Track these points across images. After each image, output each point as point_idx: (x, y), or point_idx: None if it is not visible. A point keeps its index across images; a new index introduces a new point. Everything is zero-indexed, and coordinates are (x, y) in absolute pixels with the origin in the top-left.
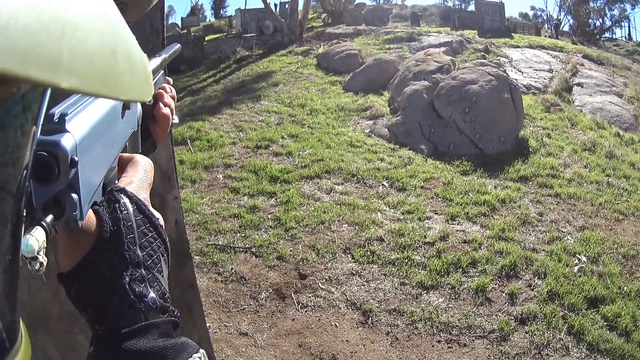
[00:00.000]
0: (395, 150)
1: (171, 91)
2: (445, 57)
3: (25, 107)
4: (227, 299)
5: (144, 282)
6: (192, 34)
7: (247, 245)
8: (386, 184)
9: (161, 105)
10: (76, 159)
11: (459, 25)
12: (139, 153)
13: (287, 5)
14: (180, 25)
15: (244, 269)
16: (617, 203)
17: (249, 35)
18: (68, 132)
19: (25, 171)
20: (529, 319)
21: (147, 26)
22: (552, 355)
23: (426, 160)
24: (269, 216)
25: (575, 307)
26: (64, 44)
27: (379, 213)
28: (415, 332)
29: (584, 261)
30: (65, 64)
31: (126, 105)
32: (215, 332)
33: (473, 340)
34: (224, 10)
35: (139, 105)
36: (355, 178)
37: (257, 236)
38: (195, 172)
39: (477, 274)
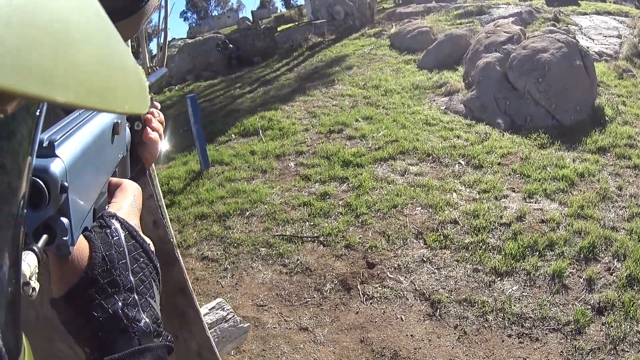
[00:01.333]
0: (472, 126)
1: (159, 115)
2: (514, 26)
3: (23, 155)
4: (291, 292)
5: (136, 307)
6: (263, 25)
7: (315, 234)
8: (462, 162)
9: (149, 129)
10: (66, 184)
11: None
12: (129, 178)
13: None
14: (251, 18)
15: (310, 259)
16: None
17: (319, 21)
18: (58, 157)
19: (22, 201)
20: (607, 309)
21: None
22: (627, 351)
23: (503, 134)
24: (340, 202)
25: None
26: (59, 58)
27: (454, 193)
28: (485, 325)
29: None
30: (60, 78)
31: (115, 130)
32: (275, 327)
33: (546, 334)
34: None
35: (127, 130)
36: (430, 158)
37: (326, 224)
38: (267, 162)
39: (554, 257)
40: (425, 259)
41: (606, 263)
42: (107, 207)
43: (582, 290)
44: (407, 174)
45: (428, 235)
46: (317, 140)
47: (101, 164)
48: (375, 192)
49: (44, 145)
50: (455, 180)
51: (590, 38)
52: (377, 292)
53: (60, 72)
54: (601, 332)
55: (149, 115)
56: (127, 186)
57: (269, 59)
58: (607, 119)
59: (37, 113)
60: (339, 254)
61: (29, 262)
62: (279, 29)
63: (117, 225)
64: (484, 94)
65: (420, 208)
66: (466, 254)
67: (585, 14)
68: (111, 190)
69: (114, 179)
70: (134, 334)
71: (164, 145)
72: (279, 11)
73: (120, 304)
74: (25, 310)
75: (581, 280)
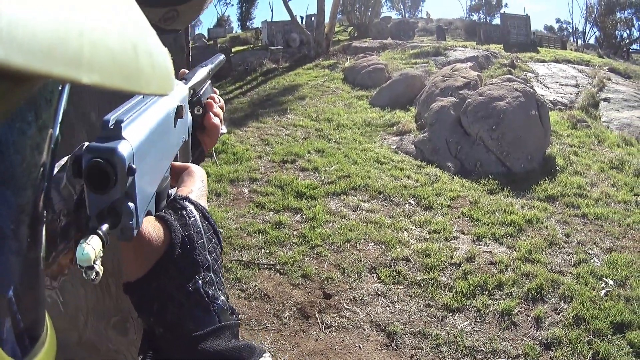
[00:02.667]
0: (422, 167)
1: (220, 101)
2: (472, 72)
3: (41, 127)
4: (250, 317)
5: (214, 285)
6: (219, 45)
7: (271, 262)
8: (413, 202)
9: (211, 114)
10: (134, 166)
11: (484, 39)
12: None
13: (313, 18)
14: (207, 36)
15: (267, 286)
16: None
17: (275, 47)
18: (125, 139)
19: (42, 169)
20: (554, 345)
21: (171, 41)
22: None
23: (453, 178)
24: (295, 233)
25: (601, 332)
26: (85, 39)
27: (405, 232)
28: (440, 356)
29: (610, 285)
30: (86, 60)
31: (179, 114)
32: None
33: None
34: (251, 22)
35: (189, 115)
36: (381, 195)
37: (281, 253)
38: (221, 186)
39: (503, 296)
40: (379, 293)
41: (553, 304)
42: (177, 190)
43: (531, 327)
44: (359, 210)
45: (381, 271)
46: (271, 169)
47: (165, 147)
48: (328, 225)
49: (110, 126)
50: (406, 220)
51: (545, 86)
52: (335, 322)
53: (86, 54)
54: None
55: (210, 100)
56: (194, 170)
57: (222, 80)
58: (558, 168)
59: (60, 88)
60: (296, 282)
61: (94, 246)
62: (233, 49)
63: (191, 207)
64: (436, 136)
65: (373, 244)
66: (419, 290)
67: (544, 61)
68: (178, 174)
69: (179, 164)
70: (214, 311)
71: (223, 131)
72: (234, 32)
73: (200, 282)
74: (67, 333)
75: (529, 318)
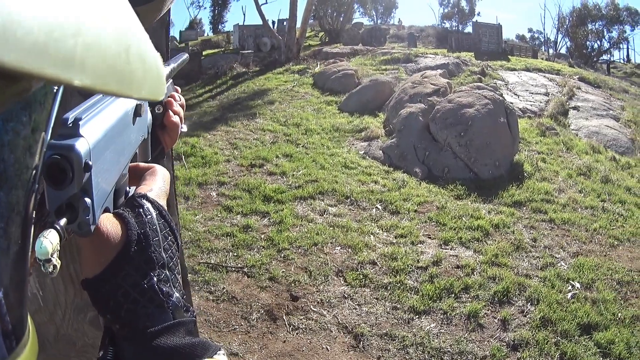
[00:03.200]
0: (390, 172)
1: (180, 99)
2: (442, 79)
3: (34, 129)
4: (218, 319)
5: (169, 282)
6: (191, 48)
7: (239, 265)
8: (379, 207)
9: (170, 113)
10: (90, 163)
11: (455, 47)
12: (149, 161)
13: (285, 23)
14: (178, 38)
15: (235, 288)
16: (612, 228)
17: (246, 51)
18: (82, 136)
19: (34, 171)
20: (521, 346)
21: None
22: None
23: (420, 183)
24: (262, 236)
25: (568, 333)
26: (78, 42)
27: (371, 236)
28: (407, 357)
29: (577, 287)
30: (78, 62)
31: (137, 112)
32: None
33: None
34: (223, 25)
35: (149, 113)
36: (348, 200)
37: (249, 256)
38: (189, 189)
39: (469, 299)
40: (346, 295)
41: (520, 306)
42: (137, 189)
43: (497, 329)
44: (327, 214)
45: (348, 274)
46: (239, 173)
47: (123, 145)
48: (296, 229)
49: (68, 124)
50: (373, 224)
51: (515, 94)
52: (302, 324)
53: (78, 56)
54: None
55: (171, 99)
56: (157, 170)
57: (192, 83)
58: (525, 174)
59: (55, 90)
60: (264, 285)
61: (51, 239)
62: (204, 52)
63: (148, 204)
64: (404, 142)
65: (339, 247)
66: (385, 293)
67: (514, 69)
68: (141, 174)
69: (144, 164)
70: (169, 308)
71: (183, 129)
72: (206, 35)
73: (155, 279)
74: (45, 327)
75: (496, 320)
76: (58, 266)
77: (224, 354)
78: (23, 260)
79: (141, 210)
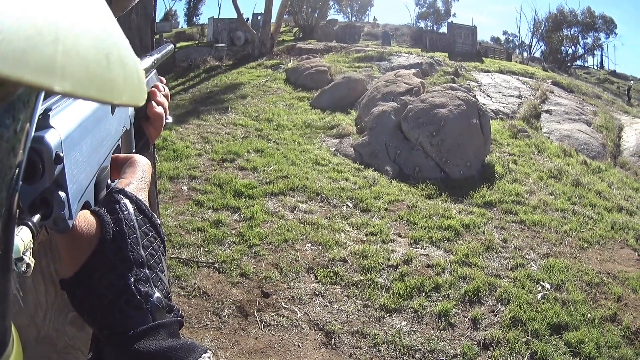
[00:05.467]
0: (360, 170)
1: (164, 89)
2: (415, 79)
3: (18, 130)
4: (190, 314)
5: (148, 282)
6: (165, 40)
7: (210, 261)
8: (350, 205)
9: (154, 103)
10: (61, 154)
11: (429, 47)
12: (133, 153)
13: (260, 17)
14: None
15: (207, 284)
16: (582, 231)
17: (220, 45)
18: (52, 127)
19: (17, 170)
20: (492, 345)
21: (137, 42)
22: None
23: (391, 182)
24: (233, 232)
25: (539, 333)
26: (58, 47)
27: (342, 233)
28: (378, 355)
29: (547, 288)
30: (58, 68)
31: None
32: None
33: None
34: (197, 17)
35: None
36: (319, 197)
37: (220, 251)
38: (160, 182)
39: (440, 298)
40: (317, 293)
41: (490, 306)
42: (116, 182)
43: (468, 328)
44: (297, 211)
45: (319, 271)
46: (210, 167)
47: (101, 136)
48: (266, 225)
49: (38, 116)
50: (344, 221)
51: (488, 96)
52: (274, 320)
53: (59, 61)
54: None
55: (154, 89)
56: (136, 161)
57: (165, 76)
58: (497, 176)
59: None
60: (235, 281)
61: (23, 237)
62: (178, 45)
63: (125, 200)
64: (376, 140)
65: (310, 244)
66: (356, 291)
67: (488, 71)
68: (120, 166)
69: (123, 155)
70: (148, 309)
71: (168, 120)
72: (180, 27)
73: (132, 279)
74: (26, 329)
75: (466, 319)
76: (32, 265)
77: (209, 357)
78: (6, 266)
79: (117, 206)
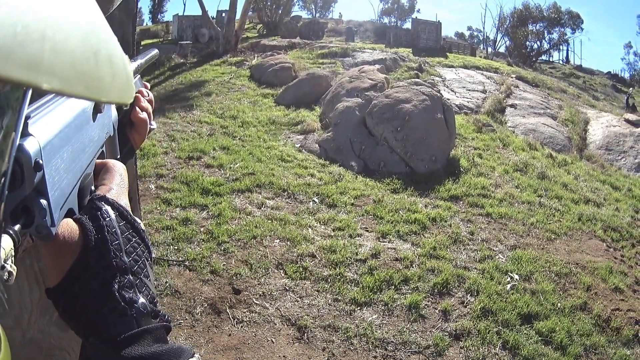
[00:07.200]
0: (326, 166)
1: (148, 95)
2: (380, 75)
3: (4, 135)
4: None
5: (132, 288)
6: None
7: (180, 259)
8: (317, 200)
9: (138, 109)
10: (41, 162)
11: (394, 43)
12: (117, 159)
13: (224, 14)
14: None
15: (178, 282)
16: (549, 223)
17: (185, 42)
18: (31, 135)
19: (2, 178)
20: (463, 335)
21: (119, 37)
22: None
23: (356, 177)
24: (202, 229)
25: (509, 323)
26: (46, 45)
27: (309, 229)
28: (351, 348)
29: (516, 279)
30: (46, 65)
31: (97, 108)
32: None
33: (409, 355)
34: (162, 15)
35: (113, 109)
36: (285, 193)
37: (190, 249)
38: None
39: (409, 291)
40: (287, 288)
41: (460, 297)
42: (94, 189)
43: (439, 319)
44: (264, 207)
45: (288, 266)
46: (177, 165)
47: (83, 143)
48: (234, 222)
49: None
50: (311, 217)
51: (452, 90)
52: (246, 317)
53: (46, 59)
54: (460, 355)
55: (138, 95)
56: (112, 166)
57: None
58: (462, 169)
59: (24, 93)
60: (205, 279)
61: (4, 245)
62: (142, 43)
63: (106, 207)
64: (340, 136)
65: (278, 240)
66: (326, 285)
67: (452, 66)
68: (97, 172)
69: (98, 160)
70: (132, 315)
71: (152, 127)
72: (145, 24)
73: (116, 286)
74: (11, 332)
75: (437, 311)
76: (14, 272)
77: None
78: None
79: (99, 213)
